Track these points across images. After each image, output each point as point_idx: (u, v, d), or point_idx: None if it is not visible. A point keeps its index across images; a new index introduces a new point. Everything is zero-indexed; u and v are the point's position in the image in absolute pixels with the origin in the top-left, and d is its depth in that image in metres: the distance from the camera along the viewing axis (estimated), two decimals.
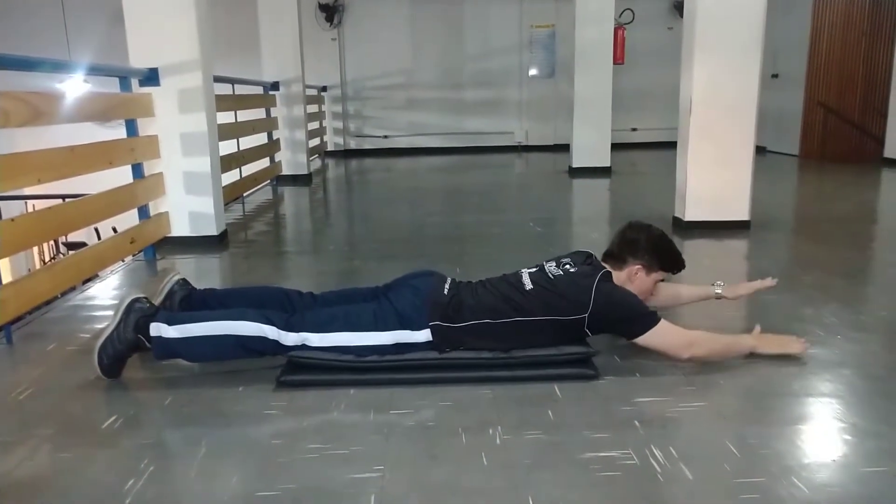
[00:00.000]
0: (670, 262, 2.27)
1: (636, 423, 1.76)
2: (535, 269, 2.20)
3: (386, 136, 10.57)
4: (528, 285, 2.12)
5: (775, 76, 8.98)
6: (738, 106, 4.08)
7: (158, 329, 2.00)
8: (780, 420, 1.80)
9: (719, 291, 2.39)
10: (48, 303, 2.91)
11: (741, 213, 4.20)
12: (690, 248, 3.79)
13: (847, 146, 8.44)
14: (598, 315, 2.05)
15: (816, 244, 4.03)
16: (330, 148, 10.36)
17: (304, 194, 6.61)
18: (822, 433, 1.75)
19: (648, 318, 2.07)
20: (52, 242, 7.98)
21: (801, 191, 6.87)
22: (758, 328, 2.22)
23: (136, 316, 2.03)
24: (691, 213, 4.21)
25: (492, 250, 3.96)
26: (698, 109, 4.10)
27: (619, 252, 2.26)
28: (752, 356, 2.14)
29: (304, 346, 2.03)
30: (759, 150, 4.67)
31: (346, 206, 6.38)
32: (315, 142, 8.91)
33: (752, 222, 4.20)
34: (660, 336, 2.06)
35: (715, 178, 4.17)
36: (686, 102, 4.16)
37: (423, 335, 2.04)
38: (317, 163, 8.97)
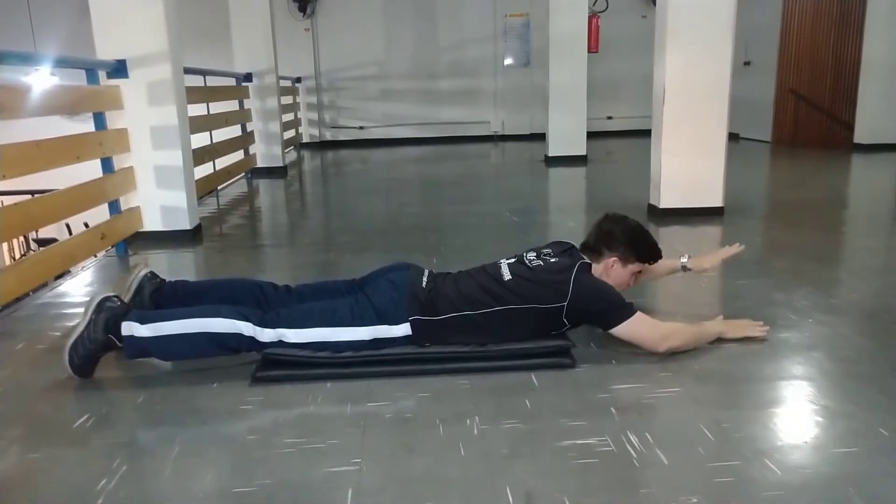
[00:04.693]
0: (646, 253, 2.29)
1: (612, 410, 1.77)
2: (513, 260, 2.20)
3: (361, 127, 10.51)
4: (507, 276, 2.12)
5: (747, 64, 9.07)
6: (711, 93, 4.11)
7: (130, 328, 1.96)
8: (753, 404, 1.82)
9: (685, 262, 2.46)
10: (18, 300, 2.85)
11: (715, 199, 4.24)
12: (665, 235, 3.82)
13: (818, 132, 8.57)
14: (575, 305, 2.06)
15: (789, 229, 4.08)
16: (305, 139, 10.28)
17: (279, 187, 6.55)
18: (795, 416, 1.77)
19: (624, 310, 2.08)
20: (21, 239, 7.84)
21: (773, 177, 6.95)
22: (720, 316, 2.29)
23: (107, 315, 1.97)
24: (666, 200, 4.25)
25: (469, 240, 3.96)
26: (671, 97, 4.12)
27: (596, 244, 2.27)
28: (720, 342, 2.18)
29: (280, 343, 2.00)
30: (732, 137, 4.71)
31: (322, 198, 6.33)
32: (290, 133, 8.83)
33: (725, 208, 4.25)
34: (635, 328, 2.08)
35: (689, 165, 4.20)
36: (659, 90, 4.18)
37: (402, 329, 2.02)
38: (292, 155, 8.89)
